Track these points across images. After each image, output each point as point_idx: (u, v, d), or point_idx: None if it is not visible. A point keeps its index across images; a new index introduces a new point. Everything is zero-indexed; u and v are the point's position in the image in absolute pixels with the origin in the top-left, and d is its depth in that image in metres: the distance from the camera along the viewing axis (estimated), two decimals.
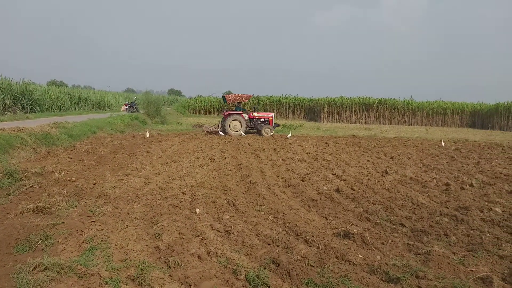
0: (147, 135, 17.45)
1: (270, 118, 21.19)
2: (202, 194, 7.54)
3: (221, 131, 20.19)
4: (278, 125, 22.39)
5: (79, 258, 4.41)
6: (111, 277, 3.98)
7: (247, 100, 21.85)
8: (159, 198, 7.22)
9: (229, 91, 71.80)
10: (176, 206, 6.70)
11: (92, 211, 6.22)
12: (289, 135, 19.84)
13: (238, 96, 21.03)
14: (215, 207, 6.79)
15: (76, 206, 6.49)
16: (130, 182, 8.21)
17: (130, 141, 15.38)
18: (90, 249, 4.73)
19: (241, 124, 20.17)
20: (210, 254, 4.69)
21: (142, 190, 7.75)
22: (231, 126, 20.10)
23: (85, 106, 34.56)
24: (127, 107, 32.89)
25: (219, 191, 8.00)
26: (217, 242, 5.07)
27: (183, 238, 5.16)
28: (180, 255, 4.55)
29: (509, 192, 8.57)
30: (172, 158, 11.77)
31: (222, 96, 21.92)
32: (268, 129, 20.47)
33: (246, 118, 20.61)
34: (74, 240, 5.03)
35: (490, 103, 40.70)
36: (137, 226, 5.68)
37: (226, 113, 20.46)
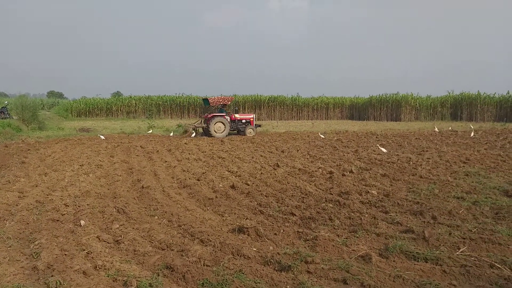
0: None
1: (251, 119, 21.43)
2: (88, 204, 6.98)
3: (193, 130, 20.53)
4: (259, 126, 22.60)
5: None
6: None
7: (229, 102, 21.73)
8: (37, 213, 6.48)
9: (118, 91, 67.92)
10: (57, 220, 6.08)
11: None
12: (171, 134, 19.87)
13: (221, 99, 21.06)
14: (103, 217, 6.34)
15: None
16: (1, 198, 7.23)
17: (1, 151, 13.57)
18: None
19: (225, 125, 20.18)
20: (97, 268, 4.34)
21: (16, 205, 6.88)
22: (215, 129, 20.00)
23: None
24: None
25: (107, 199, 7.49)
26: (105, 254, 4.72)
27: (65, 254, 4.69)
28: (62, 273, 4.13)
29: (383, 175, 9.61)
30: (53, 167, 10.69)
31: (204, 99, 21.57)
32: (251, 129, 20.91)
33: (229, 119, 20.55)
34: None
35: (365, 97, 45.40)
36: (10, 246, 5.02)
37: (209, 116, 20.38)
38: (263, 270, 4.30)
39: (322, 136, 19.89)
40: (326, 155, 13.06)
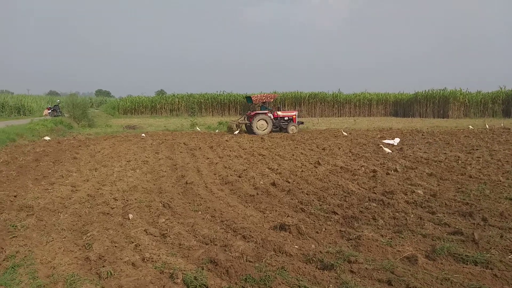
0: (47, 138, 16.72)
1: (294, 116, 21.34)
2: (135, 199, 7.27)
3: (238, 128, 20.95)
4: (302, 123, 22.52)
5: (0, 278, 4.04)
6: None
7: (272, 100, 21.85)
8: (88, 206, 6.84)
9: (161, 90, 69.96)
10: (107, 213, 6.39)
11: (13, 226, 5.73)
12: (236, 132, 20.14)
13: (263, 96, 21.30)
14: (150, 211, 6.58)
15: None
16: (55, 192, 7.69)
17: (54, 147, 14.39)
18: (13, 267, 4.36)
19: (267, 123, 20.39)
20: (145, 260, 4.53)
21: (69, 199, 7.29)
22: (258, 126, 20.26)
23: (2, 112, 31.81)
24: (50, 111, 30.75)
25: (153, 194, 7.77)
26: (152, 247, 4.91)
27: (115, 246, 4.93)
28: (113, 264, 4.35)
29: (429, 174, 9.29)
30: (102, 162, 11.21)
31: (247, 97, 22.09)
32: (293, 126, 20.78)
33: (272, 117, 20.72)
34: None
35: (410, 93, 43.87)
36: (65, 238, 5.34)
37: (252, 113, 20.67)
38: (305, 268, 4.30)
39: (345, 133, 19.64)
40: (369, 153, 12.80)
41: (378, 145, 14.92)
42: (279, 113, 21.31)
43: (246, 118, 21.40)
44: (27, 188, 8.08)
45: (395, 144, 12.93)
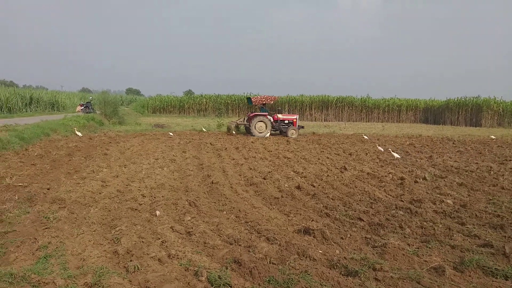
0: (79, 134, 17.15)
1: (294, 120, 21.00)
2: (162, 196, 7.42)
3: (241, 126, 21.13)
4: (302, 127, 22.18)
5: (32, 267, 4.22)
6: (67, 285, 3.84)
7: (272, 102, 21.74)
8: (117, 201, 7.03)
9: (189, 90, 70.88)
10: (135, 209, 6.56)
11: (46, 217, 5.96)
12: (267, 135, 20.07)
13: (263, 98, 21.17)
14: (176, 209, 6.70)
15: (28, 212, 6.19)
16: (86, 186, 7.94)
17: (86, 143, 14.85)
18: (45, 257, 4.54)
19: (266, 125, 20.18)
20: (171, 256, 4.62)
21: (100, 193, 7.51)
22: (256, 127, 20.10)
23: (37, 107, 32.98)
24: (83, 107, 31.74)
25: (180, 192, 7.90)
26: (178, 244, 5.01)
27: (142, 241, 5.05)
28: (140, 259, 4.46)
29: (460, 184, 9.04)
30: (131, 159, 11.49)
31: (248, 98, 22.11)
32: (293, 130, 20.38)
33: (271, 119, 20.56)
34: (27, 248, 4.81)
35: (441, 100, 42.74)
36: (94, 231, 5.51)
37: (251, 115, 20.58)
38: (329, 273, 4.28)
39: (366, 137, 19.43)
40: (397, 160, 12.56)
41: (407, 152, 14.63)
42: (280, 116, 21.05)
43: (246, 119, 21.24)
44: (59, 181, 8.38)
45: (397, 156, 12.80)
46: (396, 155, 12.99)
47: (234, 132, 20.85)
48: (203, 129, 22.78)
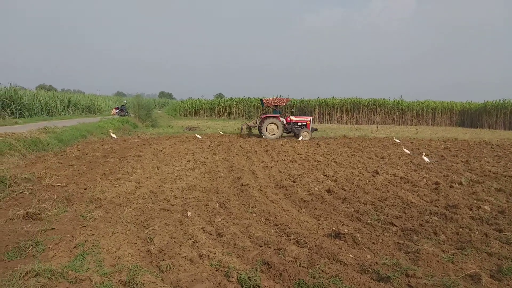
0: (114, 136, 17.55)
1: (308, 122, 20.76)
2: (193, 197, 7.54)
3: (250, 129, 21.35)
4: (316, 129, 22.01)
5: (70, 264, 4.39)
6: (102, 282, 3.97)
7: (284, 104, 21.75)
8: (151, 202, 7.21)
9: (220, 93, 71.64)
10: (168, 210, 6.70)
11: (83, 216, 6.19)
12: (300, 138, 19.94)
13: (275, 100, 21.19)
14: (207, 210, 6.80)
15: (66, 211, 6.45)
16: (121, 186, 8.19)
17: (121, 145, 15.30)
18: (81, 255, 4.72)
19: (277, 127, 20.15)
20: (202, 257, 4.69)
21: (134, 194, 7.72)
22: (268, 129, 20.09)
23: (75, 110, 34.26)
24: (118, 110, 32.73)
25: (210, 194, 8.01)
26: (209, 245, 5.07)
27: (174, 241, 5.16)
28: (172, 258, 4.56)
29: (498, 190, 8.69)
30: (164, 161, 11.74)
31: (260, 100, 22.24)
32: (306, 132, 20.10)
33: (283, 121, 20.56)
34: (65, 245, 5.01)
35: (478, 102, 41.24)
36: (129, 230, 5.67)
37: (263, 116, 20.61)
38: (360, 278, 4.22)
39: (397, 140, 19.04)
40: (431, 164, 12.21)
41: (442, 156, 14.19)
42: (293, 118, 20.81)
43: (258, 121, 21.10)
44: (95, 182, 8.68)
45: (428, 161, 12.42)
46: (426, 159, 12.64)
47: (247, 133, 20.94)
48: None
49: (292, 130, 20.78)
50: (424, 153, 13.91)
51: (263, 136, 20.00)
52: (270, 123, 20.10)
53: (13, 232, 5.31)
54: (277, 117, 20.28)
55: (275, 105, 21.00)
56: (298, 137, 19.85)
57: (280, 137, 20.11)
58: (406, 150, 15.05)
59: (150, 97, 69.77)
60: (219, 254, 4.76)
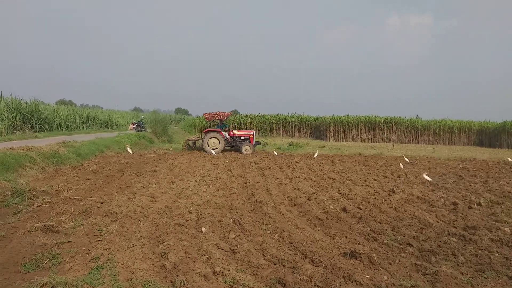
0: (130, 151, 17.73)
1: (251, 136, 21.23)
2: (208, 213, 7.56)
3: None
4: (259, 143, 22.46)
5: (85, 277, 4.43)
6: None
7: (225, 118, 22.20)
8: (166, 217, 7.25)
9: (235, 110, 72.11)
10: (182, 225, 6.72)
11: (99, 230, 6.26)
12: (315, 155, 19.74)
13: (216, 114, 21.62)
14: (221, 226, 6.80)
15: (83, 224, 6.54)
16: (137, 201, 8.26)
17: (137, 160, 15.49)
18: (97, 268, 4.76)
19: (219, 141, 20.34)
20: (216, 273, 4.68)
21: (149, 209, 7.78)
22: (209, 144, 20.25)
23: (93, 125, 34.92)
24: (135, 126, 33.20)
25: (225, 210, 8.01)
26: (223, 262, 5.06)
27: (189, 257, 5.16)
28: (186, 274, 4.56)
29: None
30: (179, 176, 11.82)
31: (203, 114, 22.69)
32: (247, 146, 20.49)
33: (226, 135, 20.85)
34: (81, 258, 5.06)
35: (497, 121, 40.53)
36: (144, 245, 5.70)
37: (205, 131, 21.02)
38: None
39: (407, 159, 18.76)
40: (449, 184, 12.00)
41: (460, 175, 13.93)
42: (236, 132, 21.03)
43: (201, 136, 21.34)
44: (112, 196, 8.78)
45: (430, 180, 12.21)
46: (427, 178, 12.37)
47: (191, 145, 21.61)
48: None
49: (235, 144, 21.00)
50: (426, 172, 13.64)
51: (206, 151, 19.95)
52: (212, 137, 20.29)
53: (30, 244, 5.39)
54: (218, 131, 20.50)
55: (219, 119, 21.33)
56: (240, 151, 20.21)
57: (221, 151, 20.17)
58: (400, 165, 15.56)
59: (166, 113, 70.65)
60: (233, 271, 4.75)
